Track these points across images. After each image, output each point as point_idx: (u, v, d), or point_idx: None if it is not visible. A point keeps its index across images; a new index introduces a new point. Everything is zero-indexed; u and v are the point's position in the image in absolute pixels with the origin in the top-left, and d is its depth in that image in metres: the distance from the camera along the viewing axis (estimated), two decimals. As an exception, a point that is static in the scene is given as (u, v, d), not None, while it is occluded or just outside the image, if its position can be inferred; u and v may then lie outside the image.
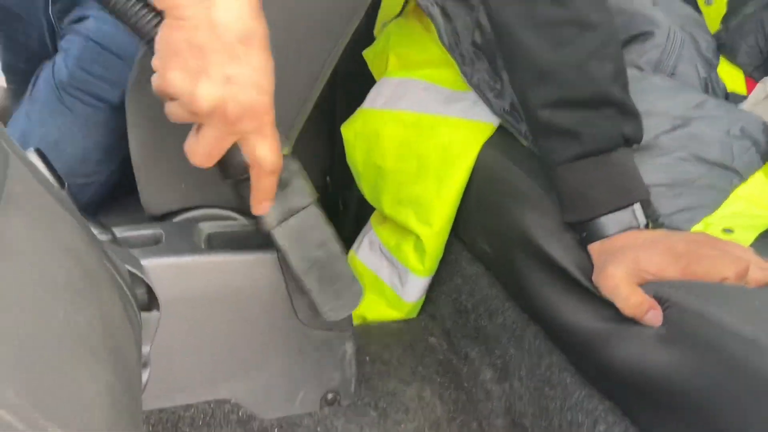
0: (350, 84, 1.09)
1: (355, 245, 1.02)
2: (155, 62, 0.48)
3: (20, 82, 0.99)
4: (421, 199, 0.86)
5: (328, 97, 1.16)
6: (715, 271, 0.53)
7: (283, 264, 0.64)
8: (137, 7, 0.47)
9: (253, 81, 0.48)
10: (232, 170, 0.56)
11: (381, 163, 0.90)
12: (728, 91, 0.89)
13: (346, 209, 1.31)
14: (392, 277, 0.94)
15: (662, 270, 0.55)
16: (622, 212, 0.61)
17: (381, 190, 0.91)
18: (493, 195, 0.79)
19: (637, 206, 0.61)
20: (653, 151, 0.67)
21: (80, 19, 0.87)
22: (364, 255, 0.98)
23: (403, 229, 0.91)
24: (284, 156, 0.56)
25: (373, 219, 1.00)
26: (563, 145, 0.63)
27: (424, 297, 0.95)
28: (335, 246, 0.63)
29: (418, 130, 0.86)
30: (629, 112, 0.62)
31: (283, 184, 0.58)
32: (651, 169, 0.65)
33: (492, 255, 0.81)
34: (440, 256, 0.89)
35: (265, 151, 0.52)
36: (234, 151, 0.53)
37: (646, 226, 0.61)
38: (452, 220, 0.86)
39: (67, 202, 0.53)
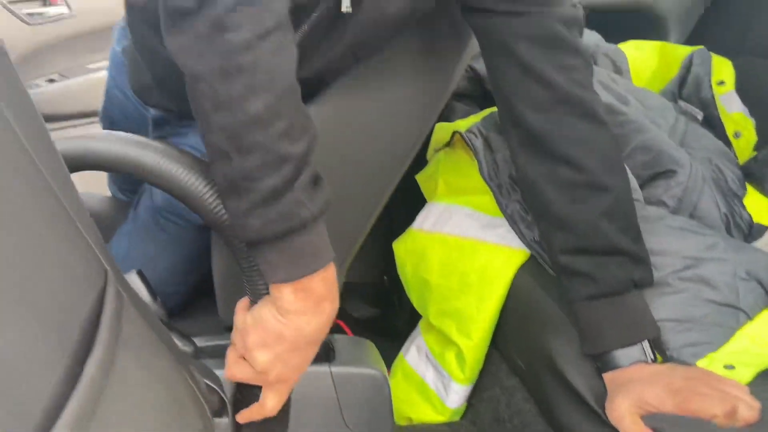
0: (405, 199, 1.21)
1: (404, 348, 1.11)
2: (250, 307, 0.63)
3: (127, 197, 1.18)
4: (462, 313, 0.96)
5: (386, 210, 1.29)
6: (706, 409, 0.60)
7: None
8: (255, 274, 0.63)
9: (297, 366, 0.63)
10: (246, 393, 0.68)
11: (427, 277, 1.00)
12: (754, 221, 0.96)
13: (402, 306, 1.42)
14: (437, 382, 1.03)
15: (661, 404, 0.63)
16: (632, 348, 0.69)
17: (427, 301, 1.01)
18: (525, 317, 0.88)
19: (646, 343, 0.69)
20: (665, 289, 0.74)
21: None
22: (412, 359, 1.07)
23: (447, 339, 1.00)
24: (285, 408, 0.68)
25: (422, 325, 1.10)
26: (580, 286, 0.72)
27: (465, 403, 1.02)
28: None
29: (460, 252, 0.97)
30: (639, 261, 0.71)
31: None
32: (661, 306, 0.73)
33: (525, 371, 0.89)
34: (480, 366, 0.98)
35: (272, 404, 0.64)
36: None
37: (654, 360, 0.69)
38: (490, 334, 0.95)
39: (159, 324, 0.66)
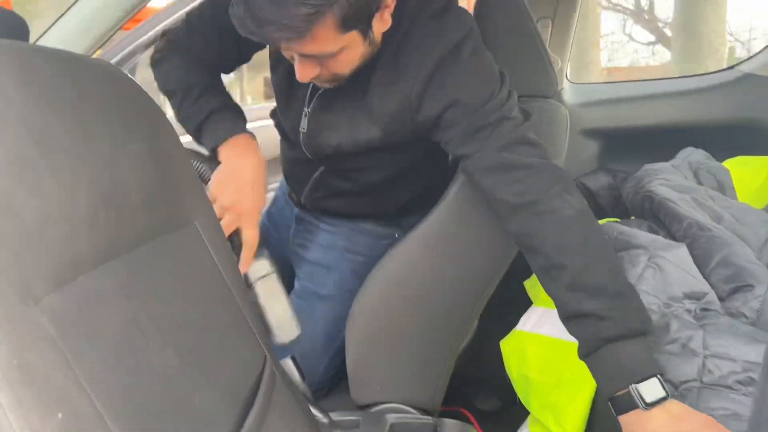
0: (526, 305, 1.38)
1: (514, 437, 1.25)
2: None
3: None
4: (558, 406, 1.09)
5: (510, 312, 1.46)
6: None
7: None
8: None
9: (250, 199, 1.05)
10: (237, 242, 1.06)
11: (528, 373, 1.15)
12: None
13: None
14: (540, 468, 1.15)
15: None
16: (623, 395, 0.86)
17: (529, 394, 1.15)
18: (608, 411, 0.99)
19: (634, 390, 0.85)
20: (720, 388, 0.85)
21: (305, 247, 1.32)
22: (519, 447, 1.20)
23: (547, 430, 1.12)
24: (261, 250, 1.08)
25: (530, 417, 1.23)
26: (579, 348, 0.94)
27: (566, 489, 1.13)
28: (284, 298, 1.08)
29: (556, 352, 1.11)
30: (605, 318, 0.88)
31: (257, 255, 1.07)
32: (715, 399, 0.84)
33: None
34: (575, 455, 1.09)
35: (248, 234, 1.06)
36: (238, 232, 1.06)
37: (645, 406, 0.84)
38: (584, 425, 1.06)
39: (301, 398, 0.89)
